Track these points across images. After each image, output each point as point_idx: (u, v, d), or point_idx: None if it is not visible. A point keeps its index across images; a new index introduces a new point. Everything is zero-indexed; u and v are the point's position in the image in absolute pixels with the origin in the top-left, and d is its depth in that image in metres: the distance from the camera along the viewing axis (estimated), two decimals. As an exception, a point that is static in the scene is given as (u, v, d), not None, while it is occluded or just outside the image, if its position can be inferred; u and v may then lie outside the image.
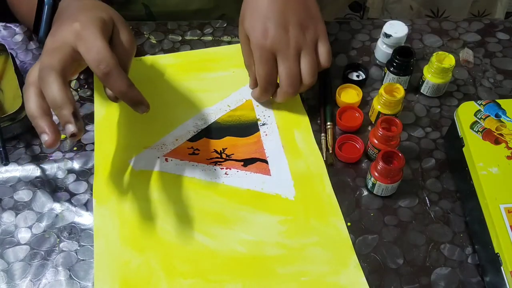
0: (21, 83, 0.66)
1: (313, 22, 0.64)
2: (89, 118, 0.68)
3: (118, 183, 0.61)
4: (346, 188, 0.62)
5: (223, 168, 0.63)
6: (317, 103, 0.69)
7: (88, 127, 0.66)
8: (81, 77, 0.72)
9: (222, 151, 0.64)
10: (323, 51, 0.64)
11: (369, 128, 0.67)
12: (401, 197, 0.61)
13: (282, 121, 0.67)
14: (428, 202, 0.61)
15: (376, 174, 0.58)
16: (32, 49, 0.75)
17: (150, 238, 0.57)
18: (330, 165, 0.63)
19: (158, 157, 0.64)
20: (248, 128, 0.66)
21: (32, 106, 0.52)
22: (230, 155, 0.64)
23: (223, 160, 0.63)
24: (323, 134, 0.65)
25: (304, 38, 0.62)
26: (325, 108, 0.68)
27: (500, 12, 0.95)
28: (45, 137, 0.51)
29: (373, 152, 0.62)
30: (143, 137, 0.65)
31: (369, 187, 0.61)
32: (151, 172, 0.62)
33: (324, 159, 0.64)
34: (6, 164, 0.61)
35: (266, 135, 0.66)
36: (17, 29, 0.77)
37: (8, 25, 0.78)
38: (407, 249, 0.57)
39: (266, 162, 0.63)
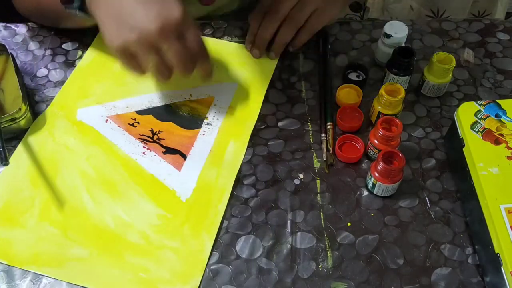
0: (21, 83, 0.66)
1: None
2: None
3: (55, 123, 0.67)
4: (346, 188, 0.62)
5: (145, 147, 0.65)
6: (317, 103, 0.69)
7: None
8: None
9: (157, 132, 0.67)
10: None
11: (369, 128, 0.67)
12: (401, 197, 0.61)
13: (226, 128, 0.67)
14: (428, 202, 0.61)
15: (376, 174, 0.58)
16: (33, 49, 0.75)
17: (48, 179, 0.62)
18: (330, 165, 0.63)
19: (102, 116, 0.68)
20: (192, 121, 0.68)
21: None
22: (161, 139, 0.66)
23: (151, 141, 0.66)
24: (323, 134, 0.66)
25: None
26: (325, 108, 0.68)
27: (500, 12, 0.95)
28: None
29: (373, 152, 0.62)
30: (103, 94, 0.70)
31: (369, 187, 0.61)
32: (86, 126, 0.67)
33: (324, 159, 0.64)
34: (6, 165, 0.61)
35: (203, 134, 0.67)
36: (18, 29, 0.77)
37: (9, 25, 0.78)
38: (407, 249, 0.57)
39: (185, 157, 0.64)
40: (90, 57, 0.74)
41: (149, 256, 0.57)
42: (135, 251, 0.57)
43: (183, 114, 0.68)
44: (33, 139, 0.65)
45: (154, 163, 0.64)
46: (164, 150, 0.65)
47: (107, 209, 0.60)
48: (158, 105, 0.69)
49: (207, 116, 0.68)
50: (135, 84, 0.71)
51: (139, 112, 0.68)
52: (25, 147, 0.64)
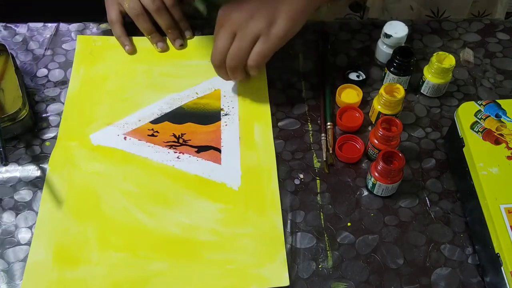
0: (21, 83, 0.66)
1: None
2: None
3: (74, 155, 0.64)
4: (346, 188, 0.62)
5: (176, 152, 0.65)
6: (317, 103, 0.69)
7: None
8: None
9: (180, 135, 0.66)
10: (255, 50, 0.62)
11: (369, 128, 0.67)
12: (401, 197, 0.61)
13: (244, 113, 0.68)
14: (428, 202, 0.61)
15: (376, 174, 0.58)
16: (33, 49, 0.75)
17: (92, 209, 0.60)
18: (330, 165, 0.63)
19: (118, 135, 0.66)
20: (210, 116, 0.68)
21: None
22: (187, 140, 0.66)
23: (179, 144, 0.65)
24: (323, 134, 0.65)
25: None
26: (325, 108, 0.68)
27: (500, 12, 0.95)
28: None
29: (373, 152, 0.62)
30: (109, 114, 0.68)
31: (369, 187, 0.61)
32: (107, 148, 0.65)
33: (324, 159, 0.64)
34: (5, 165, 0.61)
35: (226, 125, 0.67)
36: (17, 29, 0.77)
37: (9, 25, 0.78)
38: (407, 249, 0.57)
39: (219, 151, 0.65)
40: (77, 84, 0.71)
41: (228, 248, 0.57)
42: (212, 249, 0.57)
43: (198, 112, 0.68)
44: (58, 177, 0.62)
45: (193, 164, 0.63)
46: (196, 149, 0.65)
47: (167, 219, 0.59)
48: (169, 110, 0.69)
49: (222, 107, 0.69)
50: (137, 97, 0.70)
51: (154, 122, 0.67)
52: (51, 188, 0.61)
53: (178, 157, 0.64)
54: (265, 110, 0.68)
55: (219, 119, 0.68)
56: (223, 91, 0.71)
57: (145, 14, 0.73)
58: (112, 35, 0.76)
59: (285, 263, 0.56)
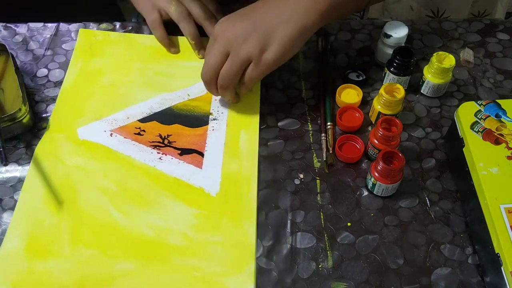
0: (21, 83, 0.66)
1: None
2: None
3: (60, 147, 0.65)
4: (346, 188, 0.62)
5: (159, 153, 0.65)
6: (317, 103, 0.69)
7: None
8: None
9: (166, 136, 0.66)
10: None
11: (369, 128, 0.67)
12: (401, 197, 0.61)
13: (233, 120, 0.68)
14: (428, 203, 0.61)
15: (376, 174, 0.58)
16: (33, 49, 0.75)
17: (69, 203, 0.60)
18: (330, 165, 0.63)
19: (105, 131, 0.67)
20: (199, 119, 0.68)
21: None
22: (172, 142, 0.66)
23: (163, 145, 0.65)
24: (323, 134, 0.65)
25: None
26: (325, 108, 0.68)
27: (500, 12, 0.95)
28: None
29: (373, 152, 0.62)
30: (99, 109, 0.68)
31: (369, 187, 0.61)
32: (92, 144, 0.65)
33: (324, 159, 0.64)
34: (5, 165, 0.61)
35: (213, 130, 0.67)
36: (17, 29, 0.77)
37: (9, 25, 0.78)
38: (407, 249, 0.57)
39: (202, 155, 0.65)
40: (72, 77, 0.72)
41: (196, 254, 0.57)
42: (181, 253, 0.57)
43: (187, 114, 0.68)
44: (41, 167, 0.62)
45: (174, 166, 0.63)
46: (179, 152, 0.65)
47: (141, 220, 0.59)
48: (159, 110, 0.69)
49: (211, 112, 0.69)
50: (129, 94, 0.70)
51: (142, 120, 0.68)
52: (34, 177, 0.62)
53: (160, 158, 0.64)
54: (254, 118, 0.68)
55: (207, 123, 0.68)
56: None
57: (191, 18, 0.73)
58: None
59: (252, 276, 0.55)
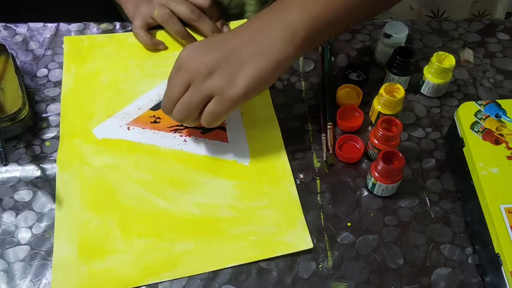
0: (21, 83, 0.66)
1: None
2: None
3: (80, 151, 0.64)
4: (346, 188, 0.62)
5: (182, 136, 0.65)
6: (317, 103, 0.69)
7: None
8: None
9: None
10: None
11: (369, 128, 0.67)
12: (401, 197, 0.61)
13: None
14: (428, 203, 0.61)
15: (376, 174, 0.58)
16: (33, 49, 0.75)
17: (109, 201, 0.60)
18: (330, 165, 0.63)
19: (121, 126, 0.66)
20: None
21: None
22: None
23: (183, 127, 0.66)
24: (323, 134, 0.65)
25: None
26: (325, 108, 0.68)
27: (500, 12, 0.95)
28: None
29: (373, 152, 0.62)
30: (107, 107, 0.68)
31: (369, 187, 0.61)
32: (113, 141, 0.65)
33: (324, 159, 0.64)
34: (5, 165, 0.61)
35: None
36: (18, 29, 0.77)
37: (9, 25, 0.78)
38: (407, 249, 0.57)
39: (224, 129, 0.66)
40: (70, 83, 0.71)
41: (248, 221, 0.58)
42: (234, 223, 0.58)
43: None
44: (69, 174, 0.62)
45: (200, 145, 0.65)
46: (201, 131, 0.66)
47: (185, 201, 0.60)
48: None
49: None
50: (132, 87, 0.70)
51: (154, 108, 0.68)
52: (64, 185, 0.61)
53: (185, 140, 0.65)
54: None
55: None
56: None
57: (175, 18, 0.74)
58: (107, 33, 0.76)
59: (305, 228, 0.58)
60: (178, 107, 0.57)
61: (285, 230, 0.58)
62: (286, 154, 0.63)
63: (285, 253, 0.56)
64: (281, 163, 0.63)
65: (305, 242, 0.57)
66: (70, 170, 0.62)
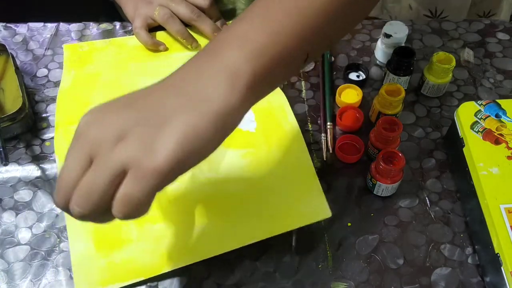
0: (21, 83, 0.66)
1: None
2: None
3: None
4: (346, 188, 0.62)
5: None
6: (317, 103, 0.69)
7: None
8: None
9: None
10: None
11: (369, 128, 0.67)
12: (401, 197, 0.61)
13: None
14: (428, 202, 0.61)
15: (376, 174, 0.58)
16: (33, 49, 0.75)
17: None
18: (330, 165, 0.63)
19: None
20: None
21: None
22: None
23: None
24: (323, 134, 0.65)
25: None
26: (325, 108, 0.68)
27: (505, 12, 0.95)
28: None
29: (373, 152, 0.62)
30: (107, 98, 0.67)
31: (369, 187, 0.61)
32: None
33: (324, 159, 0.64)
34: (5, 165, 0.61)
35: None
36: (18, 29, 0.77)
37: (9, 25, 0.78)
38: (407, 249, 0.57)
39: None
40: (68, 83, 0.70)
41: (262, 193, 0.57)
42: (248, 197, 0.57)
43: None
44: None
45: None
46: None
47: (195, 179, 0.58)
48: None
49: None
50: (133, 84, 0.69)
51: None
52: None
53: None
54: None
55: None
56: None
57: (176, 18, 0.74)
58: (106, 37, 0.76)
59: (322, 195, 0.56)
60: (76, 197, 0.37)
61: (301, 199, 0.56)
62: (293, 115, 0.60)
63: (303, 225, 0.55)
64: (290, 125, 0.60)
65: (324, 210, 0.55)
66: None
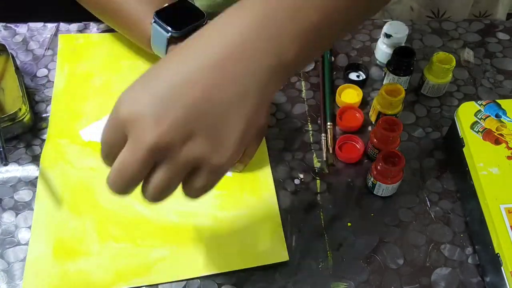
0: (21, 83, 0.66)
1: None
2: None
3: (65, 152, 0.64)
4: (346, 188, 0.62)
5: None
6: (317, 103, 0.69)
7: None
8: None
9: None
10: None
11: (369, 128, 0.67)
12: (401, 197, 0.61)
13: None
14: (428, 202, 0.61)
15: (376, 174, 0.58)
16: (33, 49, 0.75)
17: (89, 203, 0.60)
18: (330, 165, 0.63)
19: None
20: None
21: None
22: None
23: None
24: (323, 134, 0.65)
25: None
26: (325, 108, 0.68)
27: (501, 13, 0.95)
28: None
29: (373, 152, 0.62)
30: (97, 110, 0.68)
31: (369, 187, 0.61)
32: (98, 144, 0.64)
33: (324, 159, 0.64)
34: (5, 165, 0.61)
35: None
36: (18, 29, 0.77)
37: (9, 25, 0.78)
38: (407, 249, 0.57)
39: None
40: (62, 83, 0.70)
41: (226, 231, 0.58)
42: (211, 232, 0.58)
43: None
44: (51, 173, 0.62)
45: None
46: None
47: (165, 208, 0.59)
48: None
49: None
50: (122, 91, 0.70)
51: None
52: (45, 183, 0.61)
53: None
54: None
55: None
56: None
57: None
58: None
59: (282, 240, 0.57)
60: (154, 190, 0.41)
61: (262, 242, 0.57)
62: (270, 166, 0.63)
63: (260, 265, 0.56)
64: (264, 174, 0.62)
65: (281, 254, 0.56)
66: (53, 169, 0.62)
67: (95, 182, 0.62)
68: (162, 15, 0.60)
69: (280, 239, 0.57)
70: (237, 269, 0.56)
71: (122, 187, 0.41)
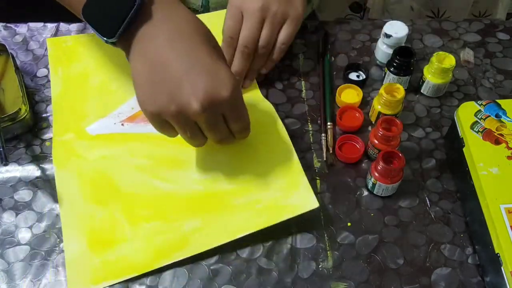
0: (21, 83, 0.66)
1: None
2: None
3: (75, 147, 0.64)
4: (346, 188, 0.62)
5: None
6: (317, 103, 0.69)
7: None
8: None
9: None
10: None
11: (369, 128, 0.67)
12: (401, 197, 0.61)
13: None
14: (428, 203, 0.61)
15: (377, 174, 0.58)
16: (33, 49, 0.75)
17: (110, 191, 0.60)
18: (330, 165, 0.63)
19: (115, 123, 0.67)
20: None
21: None
22: None
23: None
24: (323, 134, 0.65)
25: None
26: (325, 108, 0.68)
27: (501, 12, 0.95)
28: None
29: (373, 152, 0.62)
30: (100, 108, 0.68)
31: (369, 187, 0.61)
32: (106, 135, 0.66)
33: (324, 159, 0.64)
34: (5, 165, 0.61)
35: None
36: (18, 29, 0.77)
37: (9, 25, 0.78)
38: (407, 249, 0.57)
39: None
40: (59, 86, 0.70)
41: (251, 190, 0.59)
42: (237, 194, 0.59)
43: None
44: (67, 171, 0.62)
45: None
46: None
47: (186, 180, 0.60)
48: None
49: None
50: (123, 89, 0.70)
51: None
52: (64, 183, 0.61)
53: None
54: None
55: None
56: None
57: None
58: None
59: (309, 188, 0.58)
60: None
61: (289, 193, 0.58)
62: (280, 120, 0.64)
63: (292, 216, 0.56)
64: (276, 127, 0.63)
65: (311, 202, 0.57)
66: (67, 167, 0.62)
67: (111, 169, 0.62)
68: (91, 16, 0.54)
69: (306, 187, 0.58)
70: (273, 223, 0.56)
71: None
